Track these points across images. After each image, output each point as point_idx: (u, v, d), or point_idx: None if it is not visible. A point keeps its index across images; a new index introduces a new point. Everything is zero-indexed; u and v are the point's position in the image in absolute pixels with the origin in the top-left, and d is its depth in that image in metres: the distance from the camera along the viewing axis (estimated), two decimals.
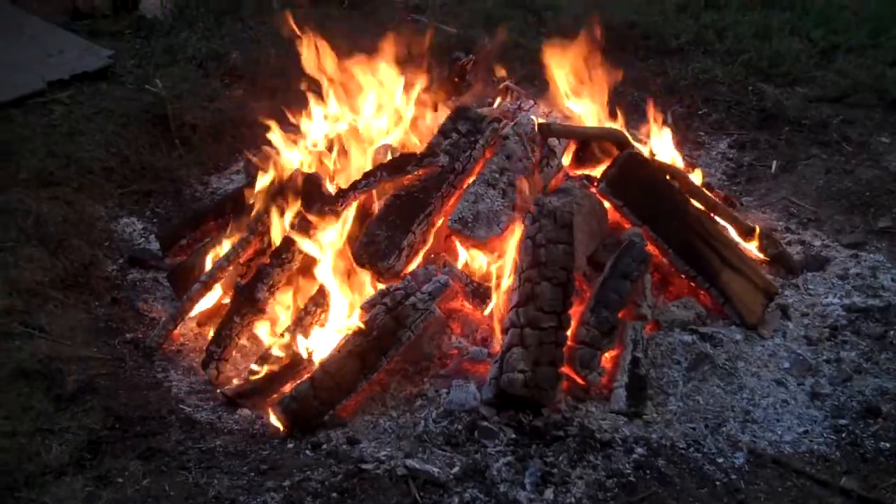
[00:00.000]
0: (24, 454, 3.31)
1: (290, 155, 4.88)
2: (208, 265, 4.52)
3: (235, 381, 4.01)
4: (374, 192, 4.41)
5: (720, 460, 3.47)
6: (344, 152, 4.72)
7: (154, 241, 5.15)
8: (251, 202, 4.66)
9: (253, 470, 3.36)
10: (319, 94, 5.12)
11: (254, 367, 4.04)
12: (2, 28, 7.21)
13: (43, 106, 6.19)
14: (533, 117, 4.71)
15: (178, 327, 4.41)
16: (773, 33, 7.65)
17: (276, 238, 4.40)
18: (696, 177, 4.96)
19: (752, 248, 4.78)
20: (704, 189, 4.90)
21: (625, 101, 5.13)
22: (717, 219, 4.68)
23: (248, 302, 4.23)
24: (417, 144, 4.72)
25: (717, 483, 3.34)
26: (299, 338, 4.02)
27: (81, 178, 5.41)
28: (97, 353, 4.06)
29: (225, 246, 4.56)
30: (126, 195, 5.55)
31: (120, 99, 6.36)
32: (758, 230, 4.81)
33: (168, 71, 6.74)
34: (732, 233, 4.74)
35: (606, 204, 4.37)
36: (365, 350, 3.73)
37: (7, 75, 6.42)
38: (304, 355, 3.95)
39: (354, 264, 4.18)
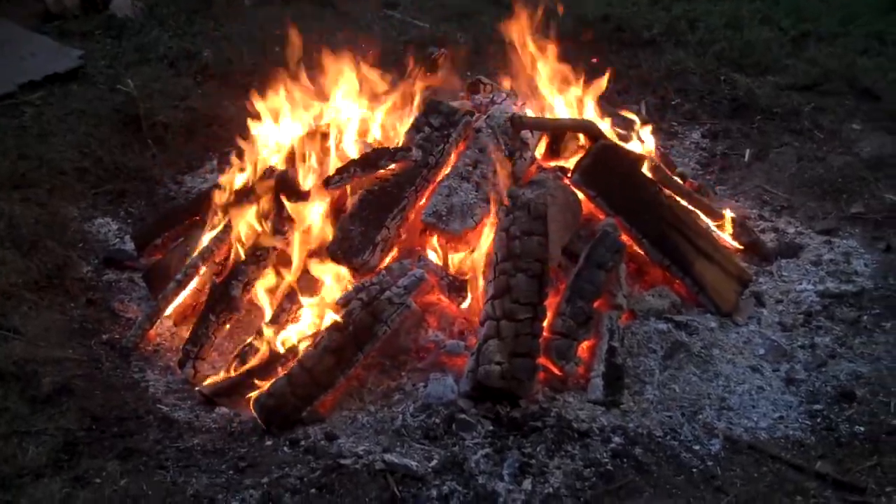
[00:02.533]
0: (1, 456, 3.29)
1: (263, 152, 4.87)
2: (183, 264, 4.49)
3: (212, 380, 3.99)
4: (346, 187, 4.40)
5: (696, 447, 3.49)
6: (316, 149, 4.69)
7: (129, 241, 5.12)
8: (224, 200, 4.65)
9: (231, 468, 3.36)
10: (290, 92, 5.11)
11: (230, 364, 4.03)
12: None
13: (14, 108, 6.16)
14: (506, 110, 4.72)
15: (154, 327, 4.39)
16: (745, 23, 7.70)
17: (250, 236, 4.39)
18: (669, 166, 4.98)
19: (725, 236, 4.81)
20: (677, 178, 4.92)
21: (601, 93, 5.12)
22: (691, 208, 4.70)
23: (223, 300, 4.22)
24: (390, 139, 4.70)
25: (694, 470, 3.36)
26: (275, 334, 4.00)
27: (54, 180, 5.38)
28: (73, 354, 4.04)
29: (199, 245, 4.54)
30: (99, 195, 5.52)
31: (91, 99, 6.33)
32: (730, 218, 4.84)
33: (139, 70, 6.71)
34: (706, 221, 4.75)
35: (580, 195, 4.38)
36: (341, 345, 3.73)
37: None
38: (281, 352, 3.94)
39: (329, 260, 4.17)
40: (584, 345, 3.93)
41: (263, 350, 3.97)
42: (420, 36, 7.39)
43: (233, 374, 3.96)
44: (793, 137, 6.16)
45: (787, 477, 3.35)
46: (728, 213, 4.86)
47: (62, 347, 4.08)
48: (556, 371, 3.81)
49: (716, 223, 4.79)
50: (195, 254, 4.51)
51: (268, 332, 4.01)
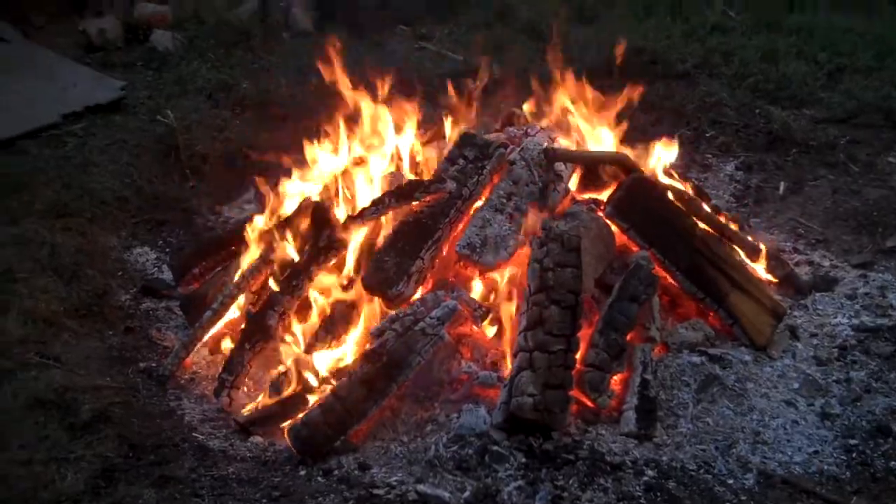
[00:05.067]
0: (40, 482, 3.33)
1: (299, 184, 4.93)
2: (220, 293, 4.55)
3: (247, 409, 4.03)
4: (381, 219, 4.45)
5: (730, 481, 3.47)
6: (352, 181, 4.75)
7: (167, 270, 5.20)
8: (261, 231, 4.71)
9: (265, 497, 3.38)
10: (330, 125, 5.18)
11: (265, 394, 4.07)
12: (16, 62, 7.32)
13: (57, 138, 6.29)
14: (539, 142, 4.75)
15: (191, 355, 4.45)
16: (780, 56, 7.70)
17: (286, 266, 4.45)
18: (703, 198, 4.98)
19: (760, 269, 4.79)
20: (712, 211, 4.91)
21: (634, 124, 5.15)
22: (725, 240, 4.69)
23: (259, 329, 4.27)
24: (425, 172, 4.74)
25: None
26: (310, 364, 4.04)
27: (95, 209, 5.48)
28: (111, 382, 4.09)
29: (236, 274, 4.60)
30: (139, 225, 5.61)
31: (132, 130, 6.45)
32: (765, 251, 4.82)
33: (179, 102, 6.83)
34: (741, 254, 4.74)
35: (613, 227, 4.39)
36: (375, 376, 3.75)
37: (22, 108, 6.52)
38: (315, 382, 3.97)
39: (364, 291, 4.21)
40: (617, 377, 3.92)
41: (298, 380, 4.01)
42: (454, 69, 7.46)
43: (267, 403, 3.99)
44: (828, 170, 6.15)
45: None
46: (762, 246, 4.84)
47: (101, 375, 4.13)
48: (588, 403, 3.81)
49: (750, 256, 4.77)
50: (232, 283, 4.57)
51: (302, 361, 4.05)
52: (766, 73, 7.38)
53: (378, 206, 4.35)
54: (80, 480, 3.38)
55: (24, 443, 3.54)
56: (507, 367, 3.88)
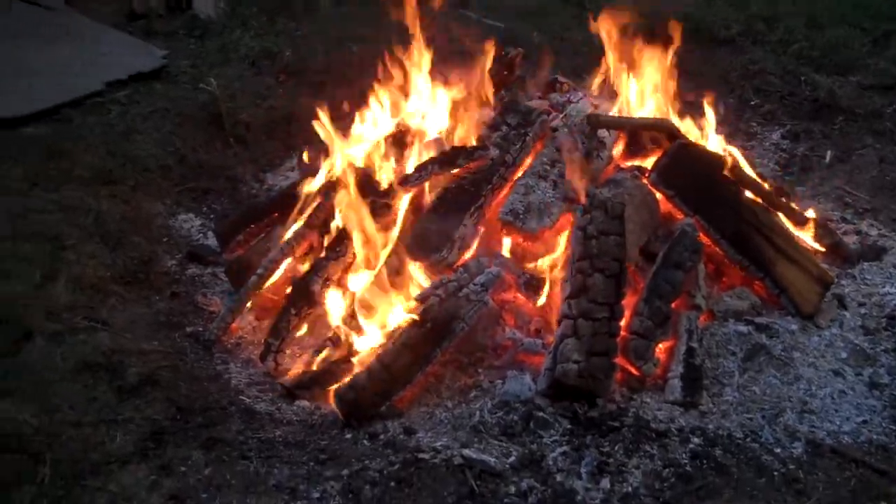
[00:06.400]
0: (90, 443, 3.37)
1: (343, 150, 4.93)
2: (265, 259, 4.58)
3: (293, 373, 4.06)
4: (425, 185, 4.45)
5: (778, 450, 3.45)
6: (395, 147, 4.75)
7: (212, 236, 5.23)
8: (305, 196, 4.72)
9: (312, 459, 3.41)
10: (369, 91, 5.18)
11: (310, 358, 4.10)
12: (59, 30, 7.36)
13: (101, 106, 6.31)
14: (583, 109, 4.72)
15: (236, 320, 4.48)
16: (825, 22, 7.57)
17: (331, 231, 4.46)
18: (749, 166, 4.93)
19: (806, 237, 4.74)
20: (758, 179, 4.86)
21: (677, 92, 5.10)
22: (771, 209, 4.64)
23: (303, 295, 4.29)
24: (468, 138, 4.72)
25: (776, 473, 3.32)
26: (355, 329, 4.06)
27: (139, 176, 5.51)
28: (158, 346, 4.13)
29: (280, 240, 4.62)
30: (183, 192, 5.64)
31: (175, 98, 6.47)
32: (813, 219, 4.77)
33: (221, 70, 6.84)
34: (787, 223, 4.69)
35: (658, 194, 4.36)
36: (419, 342, 3.77)
37: (65, 77, 6.56)
38: (361, 347, 3.99)
39: (407, 257, 4.21)
40: (662, 345, 3.91)
41: (343, 344, 4.03)
42: (495, 36, 7.41)
43: (313, 367, 4.02)
44: (875, 138, 6.07)
45: (870, 482, 3.29)
46: (810, 214, 4.79)
47: (148, 339, 4.17)
48: (633, 371, 3.80)
49: (797, 224, 4.72)
50: (276, 249, 4.59)
51: (347, 326, 4.07)
52: (812, 40, 7.27)
53: (421, 173, 4.35)
54: (129, 442, 3.42)
55: (74, 404, 3.58)
56: (551, 334, 3.87)
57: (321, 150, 5.00)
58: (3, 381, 3.63)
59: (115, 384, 3.75)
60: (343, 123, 5.12)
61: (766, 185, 4.88)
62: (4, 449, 3.26)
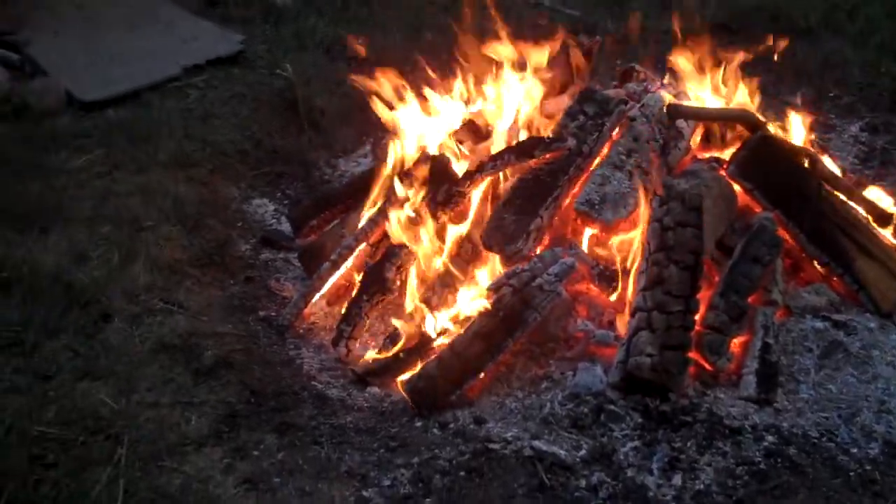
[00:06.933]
0: (166, 425, 3.46)
1: (418, 138, 4.94)
2: (338, 245, 4.61)
3: (365, 359, 4.09)
4: (500, 175, 4.44)
5: (854, 450, 3.38)
6: (471, 135, 4.74)
7: (285, 222, 5.28)
8: (380, 183, 4.75)
9: (383, 447, 3.44)
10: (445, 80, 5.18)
11: (382, 345, 4.13)
12: (139, 15, 7.46)
13: (179, 90, 6.40)
14: (660, 98, 4.67)
15: (309, 306, 4.52)
16: None
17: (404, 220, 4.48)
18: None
19: (887, 233, 4.63)
20: (838, 172, 4.77)
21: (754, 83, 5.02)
22: (851, 203, 4.55)
23: (376, 281, 4.31)
24: (544, 127, 4.70)
25: (852, 473, 3.26)
26: (427, 317, 4.08)
27: (216, 160, 5.59)
28: (232, 329, 4.20)
29: (354, 227, 4.65)
30: (258, 177, 5.70)
31: (252, 83, 6.53)
32: (893, 215, 4.66)
33: (297, 56, 6.87)
34: (867, 218, 4.59)
35: (736, 187, 4.30)
36: (491, 331, 3.77)
37: (144, 61, 6.65)
38: (432, 335, 4.01)
39: (482, 247, 4.21)
40: (737, 340, 3.86)
41: (414, 332, 4.05)
42: (571, 25, 7.36)
43: (385, 354, 4.05)
44: None
45: None
46: (891, 210, 4.68)
47: (222, 322, 4.24)
48: (707, 366, 3.75)
49: (877, 220, 4.62)
50: (350, 235, 4.62)
51: (420, 314, 4.08)
52: (893, 31, 7.08)
53: (497, 162, 4.34)
54: (204, 424, 3.50)
55: (151, 385, 3.67)
56: (625, 326, 3.85)
57: (395, 137, 5.00)
58: (83, 362, 3.72)
59: (192, 366, 3.83)
60: (419, 110, 5.13)
61: (846, 179, 4.78)
62: (83, 429, 3.34)
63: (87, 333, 3.92)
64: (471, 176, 4.37)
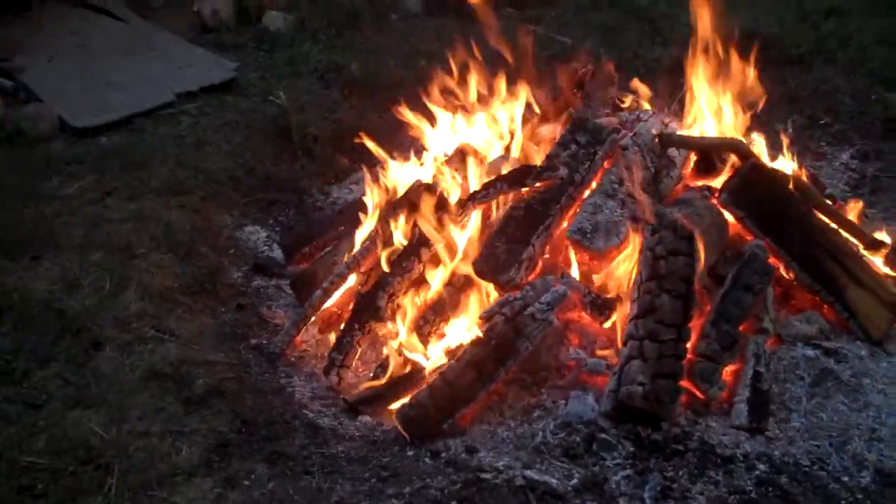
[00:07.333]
0: (157, 454, 3.45)
1: (409, 167, 4.96)
2: (330, 273, 4.61)
3: (357, 388, 4.09)
4: (492, 203, 4.45)
5: (846, 479, 3.38)
6: (462, 164, 4.76)
7: (277, 249, 5.29)
8: (372, 211, 4.76)
9: (374, 476, 3.43)
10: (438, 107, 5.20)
11: (374, 374, 4.12)
12: (133, 42, 7.51)
13: (172, 117, 6.43)
14: (652, 127, 4.69)
15: (301, 334, 4.52)
16: None
17: (396, 248, 4.48)
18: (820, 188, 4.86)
19: (877, 261, 4.65)
20: (828, 200, 4.79)
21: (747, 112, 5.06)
22: (842, 231, 4.57)
23: (368, 309, 4.31)
24: (536, 156, 4.71)
25: (843, 502, 3.26)
26: (418, 346, 4.07)
27: (208, 188, 5.60)
28: (224, 357, 4.19)
29: (346, 254, 4.65)
30: (250, 204, 5.71)
31: (245, 110, 6.56)
32: (884, 243, 4.68)
33: (291, 82, 6.91)
34: (858, 245, 4.61)
35: (727, 215, 4.32)
36: (483, 360, 3.76)
37: (138, 88, 6.69)
38: (424, 364, 4.01)
39: (474, 275, 4.22)
40: (729, 369, 3.86)
41: (406, 361, 4.04)
42: (563, 52, 7.39)
43: (376, 383, 4.04)
44: None
45: None
46: (882, 238, 4.70)
47: (214, 350, 4.23)
48: (699, 394, 3.76)
49: (868, 248, 4.64)
50: (342, 263, 4.63)
51: (411, 343, 4.08)
52: (885, 59, 7.13)
53: (489, 191, 4.35)
54: (194, 454, 3.48)
55: (142, 414, 3.66)
56: (616, 355, 3.85)
57: (387, 165, 5.02)
58: (73, 391, 3.71)
59: (183, 395, 3.82)
60: (410, 139, 5.15)
61: (836, 207, 4.80)
62: (73, 458, 3.33)
63: (78, 362, 3.92)
64: (463, 205, 4.37)
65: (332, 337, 4.41)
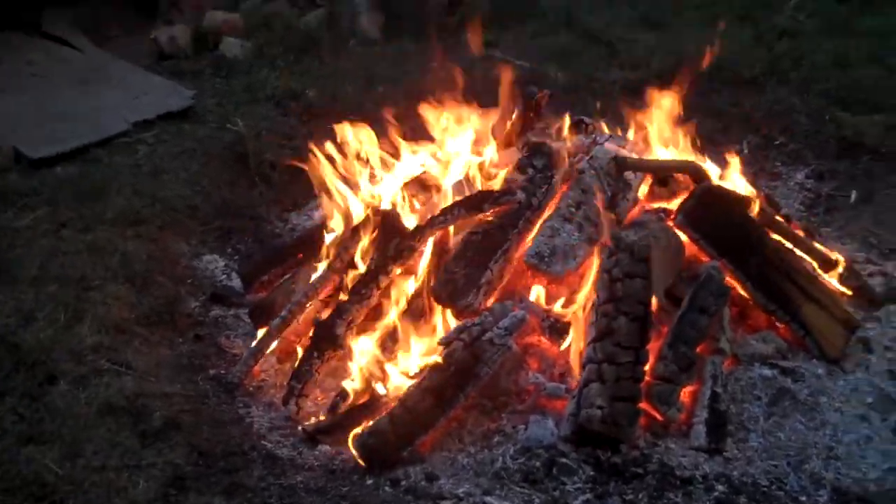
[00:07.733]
0: (113, 489, 3.38)
1: (366, 193, 4.96)
2: (288, 301, 4.59)
3: (315, 418, 4.06)
4: (450, 229, 4.45)
5: (803, 498, 3.41)
6: (420, 190, 4.76)
7: (236, 277, 5.25)
8: (329, 239, 4.74)
9: None
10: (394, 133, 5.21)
11: (332, 402, 4.10)
12: (90, 72, 7.47)
13: (128, 146, 6.38)
14: (608, 151, 4.72)
15: (259, 363, 4.48)
16: (852, 61, 7.53)
17: (354, 275, 4.47)
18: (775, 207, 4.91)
19: (832, 279, 4.70)
20: (782, 220, 4.84)
21: (701, 132, 5.10)
22: (797, 250, 4.62)
23: (327, 338, 4.28)
24: (493, 181, 4.73)
25: None
26: (377, 373, 4.06)
27: (165, 216, 5.54)
28: (181, 389, 4.14)
29: (304, 282, 4.63)
30: (208, 232, 5.67)
31: (202, 138, 6.52)
32: (838, 261, 4.73)
33: (248, 109, 6.88)
34: (813, 265, 4.66)
35: (683, 237, 4.35)
36: (443, 385, 3.76)
37: (95, 117, 6.64)
38: (382, 391, 3.99)
39: (432, 301, 4.21)
40: (687, 390, 3.88)
41: (364, 389, 4.03)
42: (520, 76, 7.43)
43: (335, 412, 4.02)
44: None
45: None
46: (837, 257, 4.75)
47: (171, 382, 4.18)
48: (657, 416, 3.77)
49: (822, 266, 4.68)
50: (300, 291, 4.61)
51: (369, 371, 4.07)
52: (838, 79, 7.23)
53: (447, 216, 4.36)
54: (151, 488, 3.42)
55: (98, 449, 3.60)
56: (575, 378, 3.86)
57: (342, 192, 5.01)
58: (27, 426, 3.66)
59: (139, 428, 3.76)
60: (368, 164, 5.15)
61: (791, 227, 4.85)
62: (28, 495, 3.28)
63: (33, 396, 3.85)
64: (421, 231, 4.37)
65: (292, 366, 4.36)
